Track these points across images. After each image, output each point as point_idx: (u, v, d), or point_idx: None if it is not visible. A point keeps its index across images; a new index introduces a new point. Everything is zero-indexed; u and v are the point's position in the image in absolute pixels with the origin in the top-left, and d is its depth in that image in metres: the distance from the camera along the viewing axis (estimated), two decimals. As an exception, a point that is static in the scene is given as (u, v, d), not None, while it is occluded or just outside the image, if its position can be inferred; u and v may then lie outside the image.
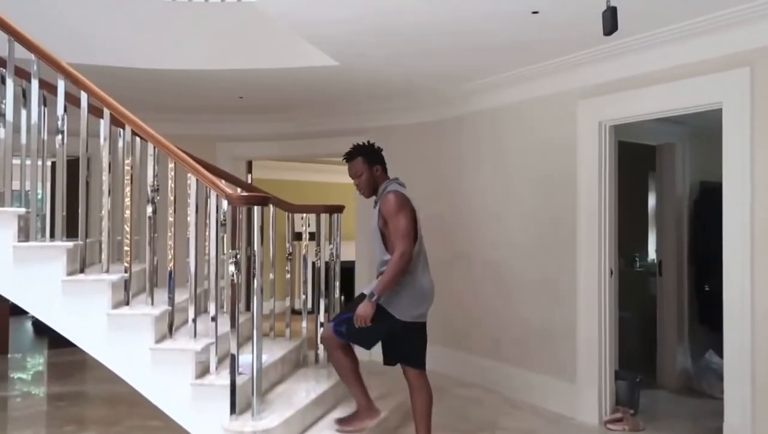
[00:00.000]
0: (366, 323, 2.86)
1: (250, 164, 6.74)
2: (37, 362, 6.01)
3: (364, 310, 2.86)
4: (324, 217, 3.89)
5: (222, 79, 4.67)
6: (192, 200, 2.89)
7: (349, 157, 3.15)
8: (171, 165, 2.87)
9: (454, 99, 5.15)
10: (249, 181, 6.47)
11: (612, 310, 4.12)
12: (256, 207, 2.80)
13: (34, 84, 2.84)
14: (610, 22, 2.43)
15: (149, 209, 2.91)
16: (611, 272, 4.12)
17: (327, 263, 3.87)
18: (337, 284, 3.88)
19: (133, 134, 2.94)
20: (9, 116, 2.81)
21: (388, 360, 3.12)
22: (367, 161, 3.10)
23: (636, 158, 5.07)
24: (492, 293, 4.89)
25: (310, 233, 3.94)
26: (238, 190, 3.59)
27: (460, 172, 5.23)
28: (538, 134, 4.52)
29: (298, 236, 4.14)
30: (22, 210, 2.80)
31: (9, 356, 6.02)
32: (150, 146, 2.90)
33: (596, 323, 4.06)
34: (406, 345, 3.04)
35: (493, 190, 4.91)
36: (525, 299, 4.59)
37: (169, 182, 2.90)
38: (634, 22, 3.29)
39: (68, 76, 2.82)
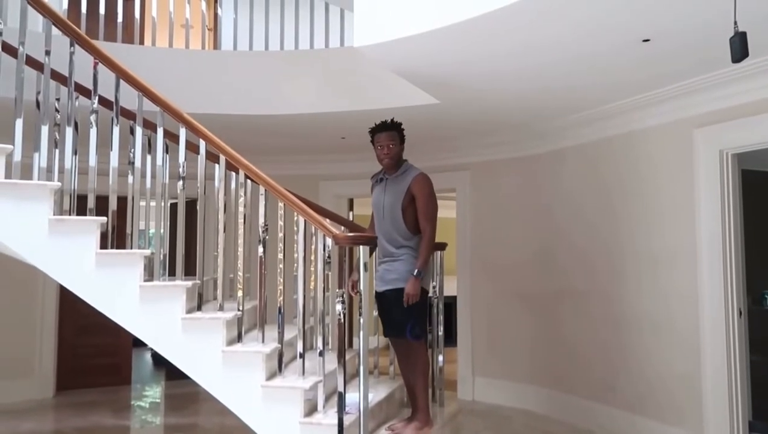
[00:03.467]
0: (417, 299, 3.11)
1: (351, 202, 6.89)
2: (156, 393, 6.35)
3: (414, 288, 3.10)
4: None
5: (326, 122, 4.84)
6: (300, 240, 2.98)
7: (390, 127, 3.30)
8: (280, 205, 2.99)
9: (557, 132, 5.01)
10: (351, 218, 6.60)
11: (742, 354, 3.76)
12: (361, 247, 2.83)
13: (159, 133, 3.07)
14: (740, 48, 2.26)
15: (260, 249, 3.02)
16: (740, 313, 3.77)
17: (429, 299, 3.83)
18: (441, 318, 3.85)
19: (246, 177, 3.10)
20: (137, 162, 3.04)
21: (400, 331, 3.20)
22: (400, 136, 3.33)
23: (762, 188, 4.68)
24: (602, 332, 4.62)
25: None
26: (342, 228, 3.69)
27: (563, 206, 5.05)
28: (650, 164, 4.29)
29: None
30: (148, 251, 2.99)
31: (131, 386, 6.41)
32: (261, 188, 3.03)
33: (724, 368, 3.72)
34: (423, 312, 3.26)
35: (600, 224, 4.69)
36: (640, 339, 4.30)
37: (279, 221, 3.01)
38: (760, 41, 3.07)
39: (188, 125, 3.03)
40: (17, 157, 2.82)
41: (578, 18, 2.87)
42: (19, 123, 2.83)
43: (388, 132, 3.28)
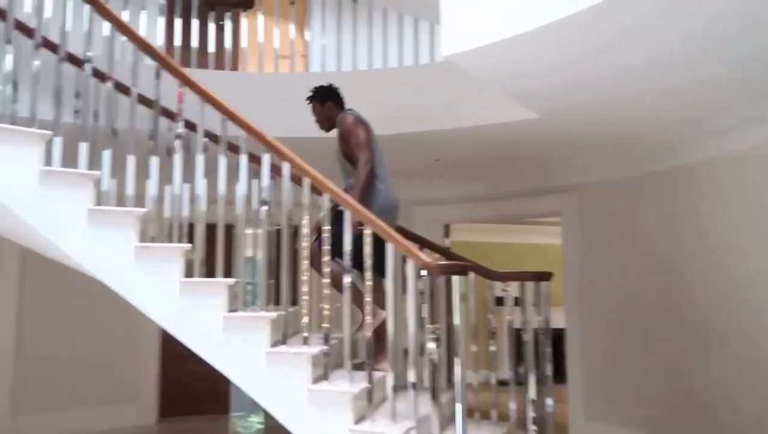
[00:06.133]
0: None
1: (447, 228, 6.60)
2: (256, 422, 6.28)
3: None
4: (529, 285, 3.50)
5: (417, 142, 4.61)
6: (389, 269, 2.74)
7: (309, 101, 3.53)
8: (368, 231, 2.77)
9: (686, 144, 4.41)
10: (447, 245, 6.31)
11: None
12: (455, 277, 2.54)
13: (243, 159, 2.96)
14: None
15: (347, 279, 2.81)
16: None
17: (535, 331, 3.47)
18: (549, 352, 3.45)
19: (332, 202, 2.91)
20: (222, 188, 2.94)
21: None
22: (319, 101, 3.48)
23: None
24: (743, 377, 3.97)
25: (514, 297, 3.60)
26: (436, 256, 3.42)
27: (694, 230, 4.44)
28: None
29: (500, 301, 3.80)
30: (232, 281, 2.86)
31: (230, 415, 6.39)
32: (347, 213, 2.83)
33: None
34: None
35: (746, 252, 4.04)
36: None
37: (366, 248, 2.79)
38: None
39: (272, 148, 2.90)
40: (105, 186, 2.80)
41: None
42: (107, 153, 2.82)
43: (310, 106, 3.52)
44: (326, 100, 3.49)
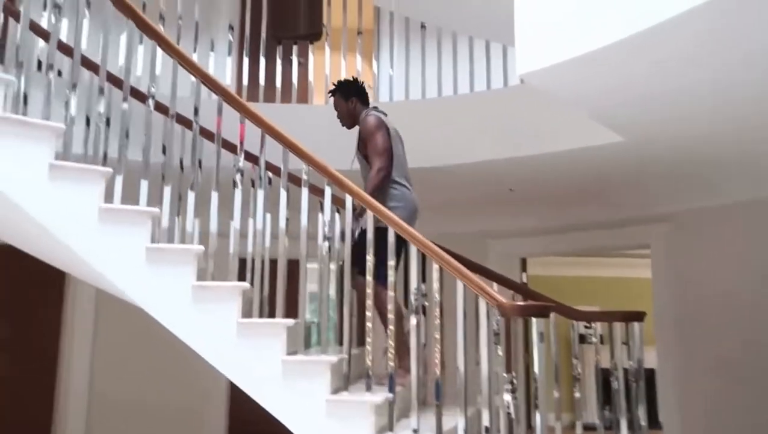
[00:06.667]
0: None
1: (524, 262, 6.22)
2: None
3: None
4: (618, 325, 3.15)
5: (489, 171, 4.35)
6: (459, 309, 2.50)
7: (330, 94, 3.45)
8: (435, 267, 2.55)
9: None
10: (524, 280, 5.94)
11: None
12: (535, 319, 2.26)
13: (304, 192, 2.83)
14: None
15: (413, 319, 2.58)
16: None
17: (626, 372, 3.12)
18: (641, 395, 3.09)
19: (396, 235, 2.71)
20: (282, 223, 2.81)
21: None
22: (343, 96, 3.37)
23: None
24: None
25: (600, 335, 3.28)
26: (512, 294, 3.15)
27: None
28: None
29: (582, 338, 3.47)
30: (291, 322, 2.70)
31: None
32: (413, 249, 2.62)
33: None
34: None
35: None
36: None
37: (434, 284, 2.57)
38: None
39: (334, 180, 2.75)
40: (165, 222, 2.74)
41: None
42: (167, 189, 2.76)
43: (332, 100, 3.43)
44: (351, 96, 3.37)
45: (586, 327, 3.34)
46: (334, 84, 3.46)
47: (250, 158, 2.95)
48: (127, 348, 5.25)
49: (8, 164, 2.38)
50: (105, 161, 2.77)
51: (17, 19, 2.66)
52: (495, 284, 3.30)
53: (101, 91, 2.72)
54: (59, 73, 2.85)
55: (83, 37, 2.91)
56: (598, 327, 3.27)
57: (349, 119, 3.39)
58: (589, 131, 3.51)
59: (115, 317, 5.09)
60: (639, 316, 3.12)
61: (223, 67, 4.35)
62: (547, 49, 2.45)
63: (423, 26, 4.30)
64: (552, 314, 3.19)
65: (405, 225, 2.63)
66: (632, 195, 4.91)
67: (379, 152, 3.13)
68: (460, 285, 2.49)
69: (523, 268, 6.17)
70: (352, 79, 3.48)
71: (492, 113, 3.94)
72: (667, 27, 2.16)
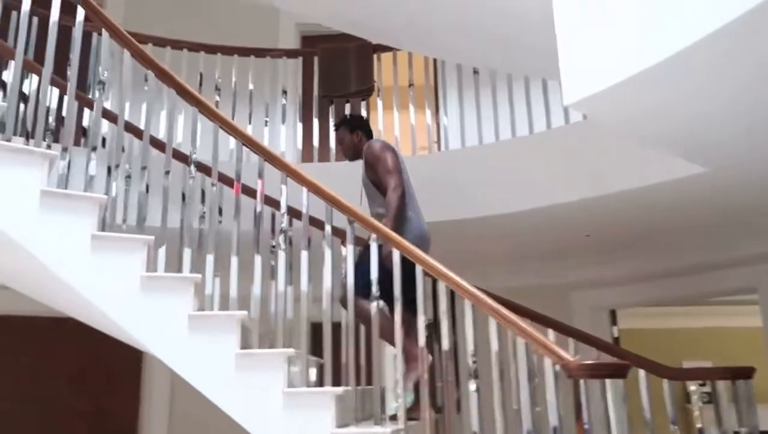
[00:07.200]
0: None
1: (613, 314, 5.70)
2: None
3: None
4: (722, 383, 2.70)
5: (559, 216, 4.02)
6: (522, 370, 2.20)
7: (335, 128, 3.53)
8: (491, 320, 2.28)
9: None
10: (615, 335, 5.42)
11: None
12: (610, 380, 1.93)
13: (350, 249, 2.67)
14: None
15: (472, 385, 2.30)
16: None
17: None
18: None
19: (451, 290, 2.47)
20: (327, 283, 2.65)
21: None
22: (349, 128, 3.43)
23: None
24: None
25: (706, 393, 2.83)
26: (595, 353, 2.81)
27: None
28: None
29: (688, 397, 3.00)
30: (340, 390, 2.47)
31: None
32: (467, 304, 2.37)
33: None
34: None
35: None
36: None
37: (493, 344, 2.29)
38: None
39: (379, 233, 2.59)
40: (208, 289, 2.65)
41: None
42: (210, 257, 2.70)
43: (336, 133, 3.49)
44: (356, 129, 3.43)
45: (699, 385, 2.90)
46: (339, 119, 3.54)
47: (294, 213, 2.86)
48: (203, 420, 5.18)
49: (52, 237, 2.39)
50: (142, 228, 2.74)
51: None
52: (551, 332, 2.98)
53: (143, 168, 2.74)
54: (103, 144, 2.91)
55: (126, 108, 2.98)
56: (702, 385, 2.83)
57: (351, 151, 3.42)
58: (665, 163, 3.17)
59: (191, 389, 5.04)
60: (746, 372, 2.66)
61: (280, 133, 4.36)
62: (590, 77, 2.20)
63: (476, 71, 4.15)
64: (642, 373, 2.81)
65: (453, 276, 2.39)
66: (731, 232, 4.38)
67: (390, 170, 3.09)
68: (521, 342, 2.21)
69: (613, 321, 5.65)
70: (358, 115, 3.61)
71: (555, 153, 3.68)
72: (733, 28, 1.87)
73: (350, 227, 2.65)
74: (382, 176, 3.10)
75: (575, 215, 3.98)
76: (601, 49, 2.20)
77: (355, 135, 3.41)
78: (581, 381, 2.00)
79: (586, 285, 5.38)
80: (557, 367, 2.04)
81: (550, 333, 3.08)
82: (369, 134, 3.45)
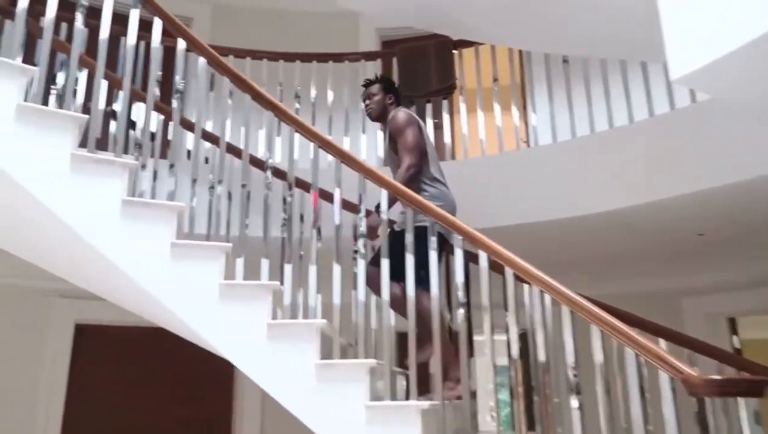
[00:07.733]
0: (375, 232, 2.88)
1: (733, 322, 5.13)
2: None
3: (372, 220, 2.85)
4: None
5: (668, 216, 3.63)
6: (633, 385, 1.93)
7: (370, 83, 3.39)
8: (594, 328, 2.02)
9: None
10: (736, 346, 4.88)
11: None
12: (742, 398, 1.63)
13: (433, 255, 2.49)
14: None
15: (574, 402, 2.05)
16: None
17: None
18: None
19: (542, 294, 2.24)
20: (410, 291, 2.48)
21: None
22: (384, 88, 3.34)
23: None
24: None
25: None
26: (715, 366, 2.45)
27: None
28: None
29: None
30: (426, 404, 2.30)
31: None
32: (565, 310, 2.13)
33: None
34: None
35: None
36: None
37: (596, 355, 2.03)
38: None
39: (466, 235, 2.40)
40: (287, 299, 2.57)
41: None
42: (288, 268, 2.62)
43: (367, 89, 3.37)
44: (390, 92, 3.36)
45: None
46: (375, 76, 3.45)
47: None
48: (295, 430, 5.14)
49: (132, 245, 2.38)
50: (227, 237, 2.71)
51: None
52: (662, 342, 2.64)
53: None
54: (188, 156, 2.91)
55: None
56: None
57: (378, 111, 3.33)
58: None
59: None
60: None
61: (360, 139, 4.27)
62: (697, 51, 1.89)
63: (565, 60, 3.85)
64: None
65: (546, 278, 2.15)
66: None
67: (409, 148, 3.04)
68: (630, 354, 1.93)
69: (733, 330, 5.09)
70: (394, 80, 3.53)
71: (659, 143, 3.32)
72: None
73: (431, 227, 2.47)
74: (400, 150, 3.08)
75: (684, 211, 3.57)
76: (715, 9, 1.90)
77: (388, 97, 3.35)
78: (706, 400, 1.69)
79: (699, 291, 4.88)
80: (674, 381, 1.75)
81: (662, 342, 2.76)
82: (398, 103, 3.40)
